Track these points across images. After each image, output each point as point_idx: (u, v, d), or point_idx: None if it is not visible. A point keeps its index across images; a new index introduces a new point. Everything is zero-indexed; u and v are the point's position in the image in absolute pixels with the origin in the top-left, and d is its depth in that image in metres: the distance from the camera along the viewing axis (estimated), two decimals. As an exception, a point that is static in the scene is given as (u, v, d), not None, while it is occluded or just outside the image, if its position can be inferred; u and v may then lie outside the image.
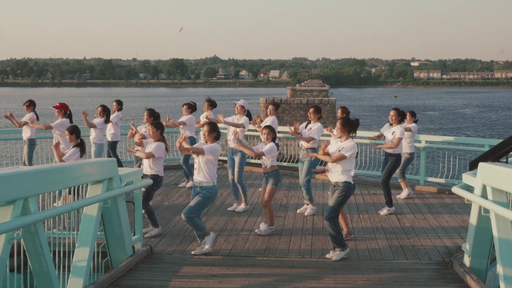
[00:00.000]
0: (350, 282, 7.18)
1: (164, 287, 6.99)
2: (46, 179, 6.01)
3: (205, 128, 8.35)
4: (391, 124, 10.92)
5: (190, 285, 7.04)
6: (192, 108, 12.93)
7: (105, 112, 13.05)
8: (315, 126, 10.59)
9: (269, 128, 9.29)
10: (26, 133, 12.97)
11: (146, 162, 9.27)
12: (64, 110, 11.85)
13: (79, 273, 6.67)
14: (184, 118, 12.84)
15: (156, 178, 9.27)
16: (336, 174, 8.10)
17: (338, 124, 8.17)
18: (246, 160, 11.45)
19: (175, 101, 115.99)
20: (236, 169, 11.01)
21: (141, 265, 7.85)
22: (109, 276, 7.10)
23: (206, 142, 8.37)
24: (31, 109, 12.96)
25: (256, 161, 13.21)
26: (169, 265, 7.87)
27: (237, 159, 10.96)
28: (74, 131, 9.52)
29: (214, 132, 8.36)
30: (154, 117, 10.78)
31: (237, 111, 11.27)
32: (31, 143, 13.01)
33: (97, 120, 12.98)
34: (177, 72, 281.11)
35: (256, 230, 9.42)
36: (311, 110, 10.65)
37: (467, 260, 7.43)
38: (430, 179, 13.53)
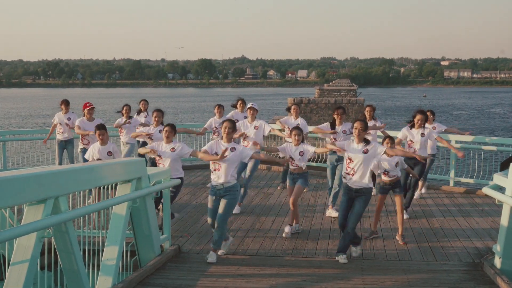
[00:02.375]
0: (378, 283, 7.13)
1: (192, 286, 7.03)
2: (77, 178, 6.09)
3: (228, 124, 8.06)
4: (412, 127, 10.34)
5: (218, 285, 7.07)
6: (223, 109, 13.12)
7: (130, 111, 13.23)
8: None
9: (299, 129, 9.20)
10: (64, 134, 13.01)
11: (172, 165, 9.04)
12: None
13: (108, 272, 6.75)
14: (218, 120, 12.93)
15: (182, 180, 9.33)
16: (361, 180, 7.87)
17: (359, 125, 7.87)
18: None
19: (203, 101, 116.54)
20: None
21: (169, 264, 7.90)
22: (138, 274, 7.17)
23: (221, 138, 8.24)
24: (68, 108, 13.07)
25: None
26: (197, 264, 7.91)
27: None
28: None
29: (236, 130, 8.31)
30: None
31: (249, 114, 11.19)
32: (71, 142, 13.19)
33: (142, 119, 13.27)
34: (205, 72, 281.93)
35: (283, 235, 9.25)
36: (341, 111, 10.39)
37: (497, 262, 7.33)
38: (459, 179, 13.34)
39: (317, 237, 9.19)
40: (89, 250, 6.98)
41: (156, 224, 8.02)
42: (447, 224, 9.97)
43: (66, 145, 13.06)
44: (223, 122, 8.22)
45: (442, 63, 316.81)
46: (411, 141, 10.26)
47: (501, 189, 7.38)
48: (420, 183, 11.81)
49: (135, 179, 7.42)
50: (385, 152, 7.87)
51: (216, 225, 7.99)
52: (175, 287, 7.04)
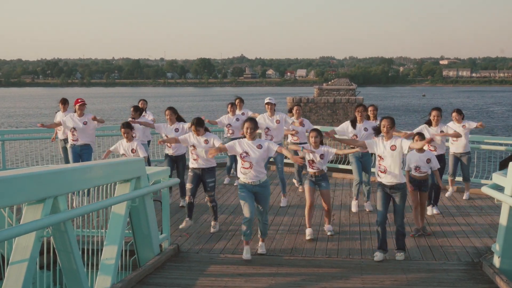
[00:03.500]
0: (377, 282, 7.13)
1: (191, 286, 7.03)
2: (76, 177, 6.08)
3: (250, 125, 8.06)
4: (429, 125, 10.57)
5: (217, 284, 7.06)
6: (236, 107, 13.26)
7: (138, 111, 13.03)
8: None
9: (317, 131, 9.08)
10: (65, 133, 12.88)
11: (202, 155, 9.35)
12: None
13: (107, 271, 6.74)
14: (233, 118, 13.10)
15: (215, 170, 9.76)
16: (396, 176, 7.96)
17: (387, 123, 7.95)
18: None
19: (201, 101, 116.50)
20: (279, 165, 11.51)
21: (168, 263, 7.90)
22: (137, 274, 7.16)
23: (243, 137, 8.27)
24: (66, 107, 13.01)
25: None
26: (196, 263, 7.91)
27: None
28: None
29: (258, 128, 8.32)
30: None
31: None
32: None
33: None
34: (204, 71, 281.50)
35: (329, 233, 9.28)
36: (362, 108, 10.63)
37: (496, 261, 7.33)
38: (458, 178, 13.30)
39: (316, 237, 9.18)
40: (88, 249, 6.98)
41: (155, 224, 8.02)
42: (446, 223, 9.96)
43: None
44: (244, 122, 8.19)
45: (441, 62, 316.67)
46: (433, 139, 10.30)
47: (500, 189, 7.38)
48: (466, 184, 12.10)
49: (134, 179, 7.42)
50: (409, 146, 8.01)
51: (261, 219, 8.36)
52: (174, 286, 7.04)
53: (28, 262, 5.25)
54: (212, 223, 9.60)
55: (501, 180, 7.33)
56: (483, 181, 12.73)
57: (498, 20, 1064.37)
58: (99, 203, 6.73)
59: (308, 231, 9.12)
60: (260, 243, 8.44)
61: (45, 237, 5.52)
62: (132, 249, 7.88)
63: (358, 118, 10.61)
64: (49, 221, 5.33)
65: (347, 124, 10.74)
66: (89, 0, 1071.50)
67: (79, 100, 11.79)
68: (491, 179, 8.16)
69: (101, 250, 6.98)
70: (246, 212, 8.07)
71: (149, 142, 13.80)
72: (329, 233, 9.27)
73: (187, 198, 9.56)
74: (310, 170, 9.12)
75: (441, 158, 10.49)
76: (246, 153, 8.03)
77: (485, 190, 7.60)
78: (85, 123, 11.63)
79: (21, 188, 5.02)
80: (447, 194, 12.04)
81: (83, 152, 11.56)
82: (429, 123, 10.64)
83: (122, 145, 10.24)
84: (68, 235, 5.75)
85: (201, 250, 8.53)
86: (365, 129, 10.49)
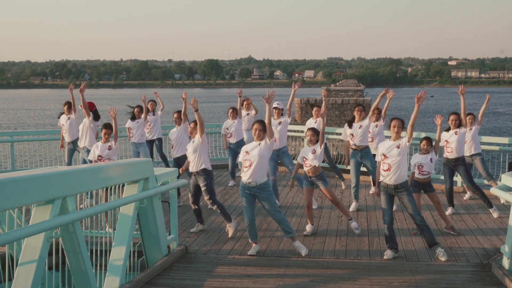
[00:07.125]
0: (385, 283, 7.11)
1: (199, 287, 7.04)
2: (84, 179, 6.10)
3: (259, 126, 8.25)
4: (448, 130, 10.71)
5: (225, 285, 7.07)
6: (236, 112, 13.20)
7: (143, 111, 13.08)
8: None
9: (313, 130, 9.16)
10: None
11: (195, 159, 9.36)
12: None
13: (116, 272, 6.76)
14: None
15: (210, 172, 9.48)
16: (401, 176, 8.04)
17: (397, 123, 8.12)
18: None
19: (210, 102, 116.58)
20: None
21: (176, 264, 7.91)
22: (145, 275, 7.18)
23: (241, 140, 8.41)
24: (70, 110, 12.95)
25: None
26: (204, 264, 7.92)
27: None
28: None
29: (266, 130, 8.33)
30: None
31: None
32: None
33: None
34: (212, 72, 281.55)
35: (356, 231, 9.28)
36: (361, 108, 10.92)
37: (506, 263, 7.29)
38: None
39: (324, 238, 9.18)
40: (96, 250, 7.00)
41: (163, 225, 8.03)
42: (454, 224, 9.91)
43: (74, 145, 12.88)
44: (253, 124, 8.37)
45: (449, 63, 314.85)
46: (447, 141, 10.60)
47: (509, 190, 7.35)
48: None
49: (142, 180, 7.43)
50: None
51: (274, 219, 8.47)
52: (182, 287, 7.05)
53: (37, 262, 5.27)
54: (227, 226, 9.42)
55: (510, 181, 7.30)
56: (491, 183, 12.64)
57: (507, 20, 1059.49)
58: (108, 204, 6.74)
59: (308, 227, 9.39)
60: (292, 242, 8.47)
61: (53, 238, 5.54)
62: (140, 250, 7.89)
63: (357, 118, 10.84)
64: (58, 222, 5.36)
65: (345, 127, 11.02)
66: (97, 1, 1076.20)
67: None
68: (500, 180, 8.12)
69: (110, 251, 7.00)
70: (245, 217, 8.38)
71: (159, 139, 13.77)
72: (356, 231, 9.24)
73: (192, 206, 9.69)
74: (304, 168, 9.20)
75: (458, 160, 10.58)
76: (247, 152, 8.18)
77: (494, 191, 7.58)
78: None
79: (30, 189, 5.04)
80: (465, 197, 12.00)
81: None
82: (448, 129, 10.77)
83: (98, 147, 10.00)
84: (76, 236, 5.77)
85: (209, 251, 8.54)
86: (360, 127, 10.70)
